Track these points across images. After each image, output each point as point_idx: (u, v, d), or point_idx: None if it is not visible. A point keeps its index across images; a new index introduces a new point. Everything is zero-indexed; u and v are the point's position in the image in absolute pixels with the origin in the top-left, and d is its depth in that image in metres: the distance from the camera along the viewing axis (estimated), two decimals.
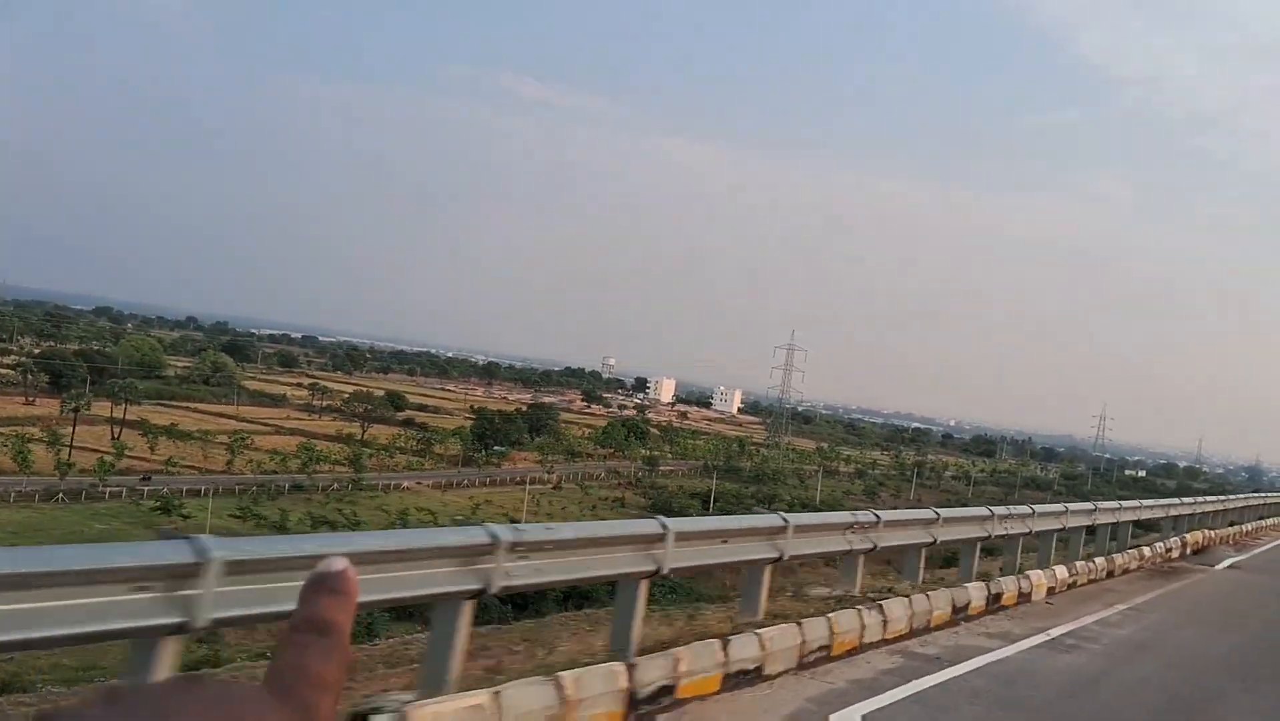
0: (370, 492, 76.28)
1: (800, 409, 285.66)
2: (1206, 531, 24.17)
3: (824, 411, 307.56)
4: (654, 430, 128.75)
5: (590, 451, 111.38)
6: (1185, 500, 24.01)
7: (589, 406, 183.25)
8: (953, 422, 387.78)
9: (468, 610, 6.01)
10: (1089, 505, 17.85)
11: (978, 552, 13.70)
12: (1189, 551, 22.09)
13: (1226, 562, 22.09)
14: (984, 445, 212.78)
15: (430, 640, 6.25)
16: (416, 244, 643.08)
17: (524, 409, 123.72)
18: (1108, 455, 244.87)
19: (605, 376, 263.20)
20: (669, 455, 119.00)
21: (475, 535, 6.10)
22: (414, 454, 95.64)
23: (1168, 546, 21.06)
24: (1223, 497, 28.80)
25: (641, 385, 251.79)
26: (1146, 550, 19.87)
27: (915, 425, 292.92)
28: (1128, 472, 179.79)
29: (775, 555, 8.83)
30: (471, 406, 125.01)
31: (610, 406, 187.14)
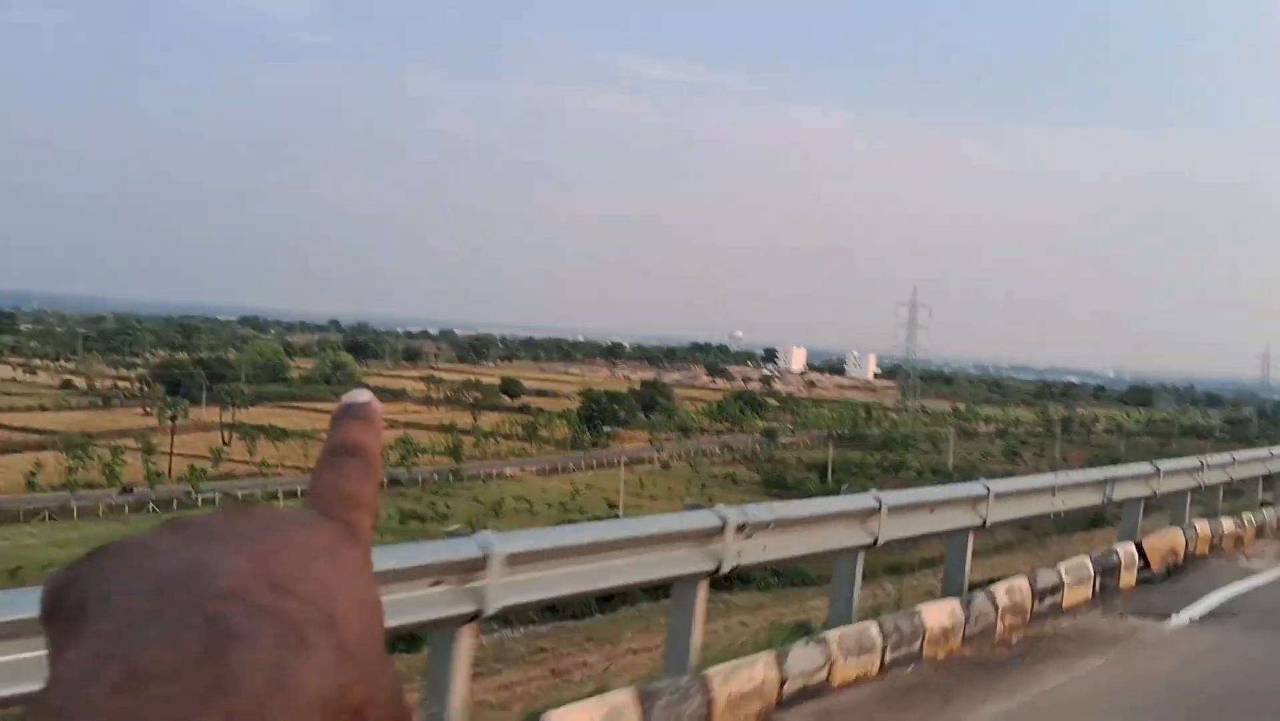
0: (470, 482, 74.37)
1: (942, 369, 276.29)
2: None
3: (973, 370, 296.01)
4: (773, 401, 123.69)
5: (705, 427, 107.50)
6: None
7: (713, 381, 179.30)
8: (1112, 374, 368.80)
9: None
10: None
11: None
12: None
13: None
14: (1141, 395, 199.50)
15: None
16: (546, 231, 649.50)
17: (637, 388, 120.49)
18: (1277, 395, 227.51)
19: (734, 349, 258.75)
20: (790, 426, 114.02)
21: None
22: (519, 439, 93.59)
23: None
24: None
25: (771, 356, 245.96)
26: None
27: (1070, 379, 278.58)
28: None
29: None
30: (588, 389, 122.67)
31: (734, 380, 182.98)
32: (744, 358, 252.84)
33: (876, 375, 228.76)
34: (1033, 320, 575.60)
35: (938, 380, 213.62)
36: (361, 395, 0.62)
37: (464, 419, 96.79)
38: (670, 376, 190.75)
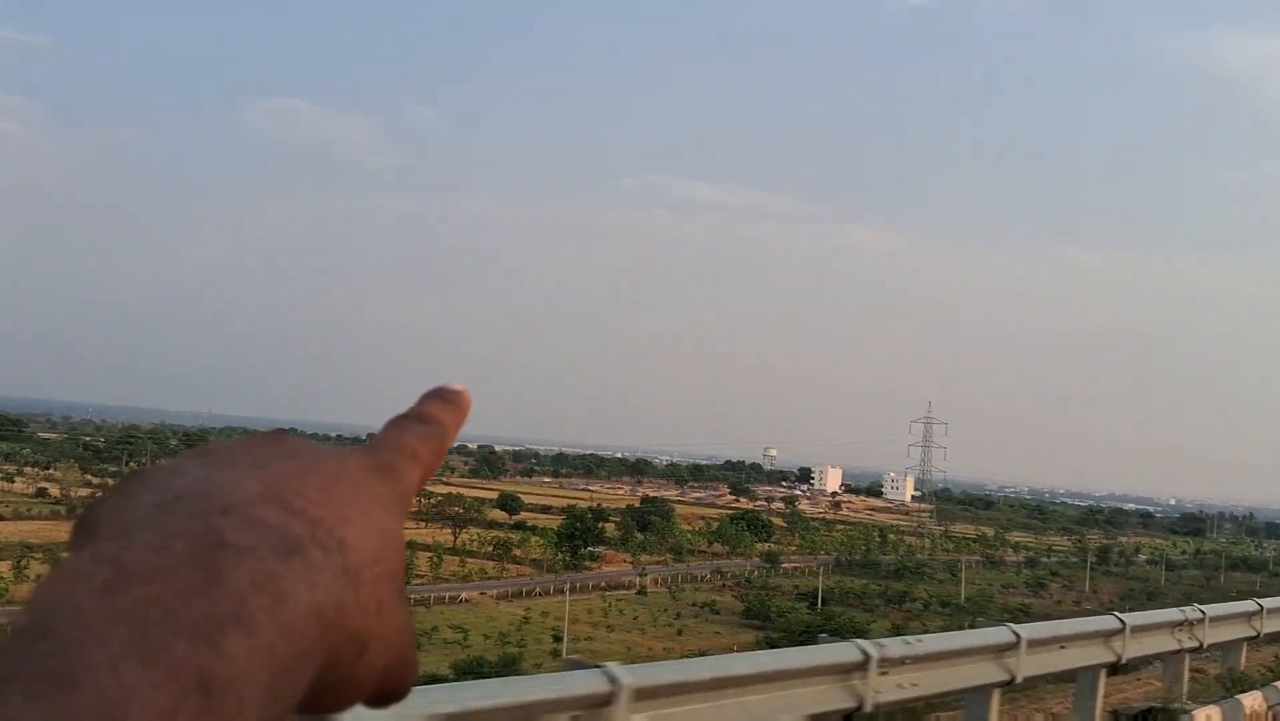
0: (417, 607, 67.99)
1: (992, 493, 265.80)
2: None
3: (1028, 496, 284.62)
4: (779, 522, 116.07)
5: (703, 549, 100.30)
6: None
7: (736, 500, 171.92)
8: (1173, 501, 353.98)
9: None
10: None
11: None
12: None
13: None
14: (1192, 523, 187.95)
15: None
16: (589, 349, 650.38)
17: (636, 504, 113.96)
18: None
19: (767, 468, 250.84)
20: (794, 550, 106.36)
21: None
22: (490, 559, 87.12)
23: None
24: None
25: (805, 475, 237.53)
26: None
27: (1129, 505, 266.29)
28: None
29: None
30: (574, 506, 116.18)
31: (758, 499, 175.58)
32: (778, 476, 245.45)
33: (915, 498, 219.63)
34: (1092, 446, 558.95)
35: (977, 504, 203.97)
36: (457, 385, 0.63)
37: (446, 536, 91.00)
38: (694, 495, 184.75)
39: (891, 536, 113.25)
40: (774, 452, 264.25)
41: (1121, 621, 8.61)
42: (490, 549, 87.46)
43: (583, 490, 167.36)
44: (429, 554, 79.07)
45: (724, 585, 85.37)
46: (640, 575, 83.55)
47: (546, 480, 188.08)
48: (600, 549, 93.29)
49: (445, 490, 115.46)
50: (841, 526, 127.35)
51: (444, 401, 0.61)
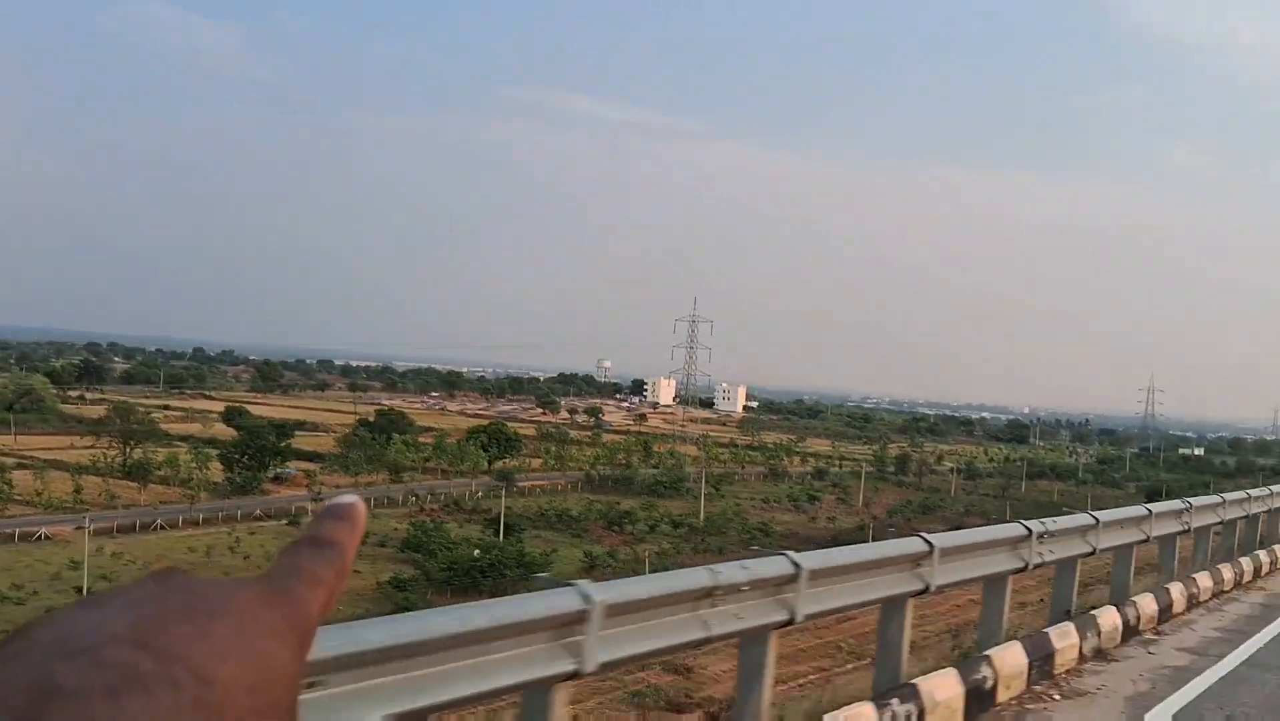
0: None
1: (845, 403, 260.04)
2: None
3: (888, 406, 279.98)
4: (527, 437, 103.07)
5: (432, 467, 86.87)
6: None
7: (544, 414, 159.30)
8: (1026, 410, 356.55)
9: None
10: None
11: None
12: None
13: None
14: (1017, 430, 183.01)
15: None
16: (452, 264, 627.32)
17: (371, 418, 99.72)
18: (1173, 431, 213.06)
19: (601, 380, 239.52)
20: (544, 467, 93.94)
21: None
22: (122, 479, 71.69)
23: None
24: None
25: (639, 388, 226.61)
26: None
27: (985, 414, 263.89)
28: (1182, 451, 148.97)
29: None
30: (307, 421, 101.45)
31: (577, 412, 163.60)
32: (611, 389, 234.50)
33: (748, 408, 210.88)
34: (956, 359, 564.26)
35: (803, 413, 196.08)
36: (348, 497, 0.62)
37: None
38: (500, 409, 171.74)
39: (659, 449, 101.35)
40: (608, 364, 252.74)
41: (929, 543, 7.22)
42: (123, 470, 72.13)
43: (371, 403, 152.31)
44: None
45: (422, 509, 72.04)
46: (315, 500, 69.64)
47: (342, 394, 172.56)
48: (291, 469, 78.92)
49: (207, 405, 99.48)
50: (621, 438, 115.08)
51: (338, 520, 0.60)
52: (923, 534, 7.19)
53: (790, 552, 5.93)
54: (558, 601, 4.55)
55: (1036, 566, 8.47)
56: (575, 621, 4.54)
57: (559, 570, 57.54)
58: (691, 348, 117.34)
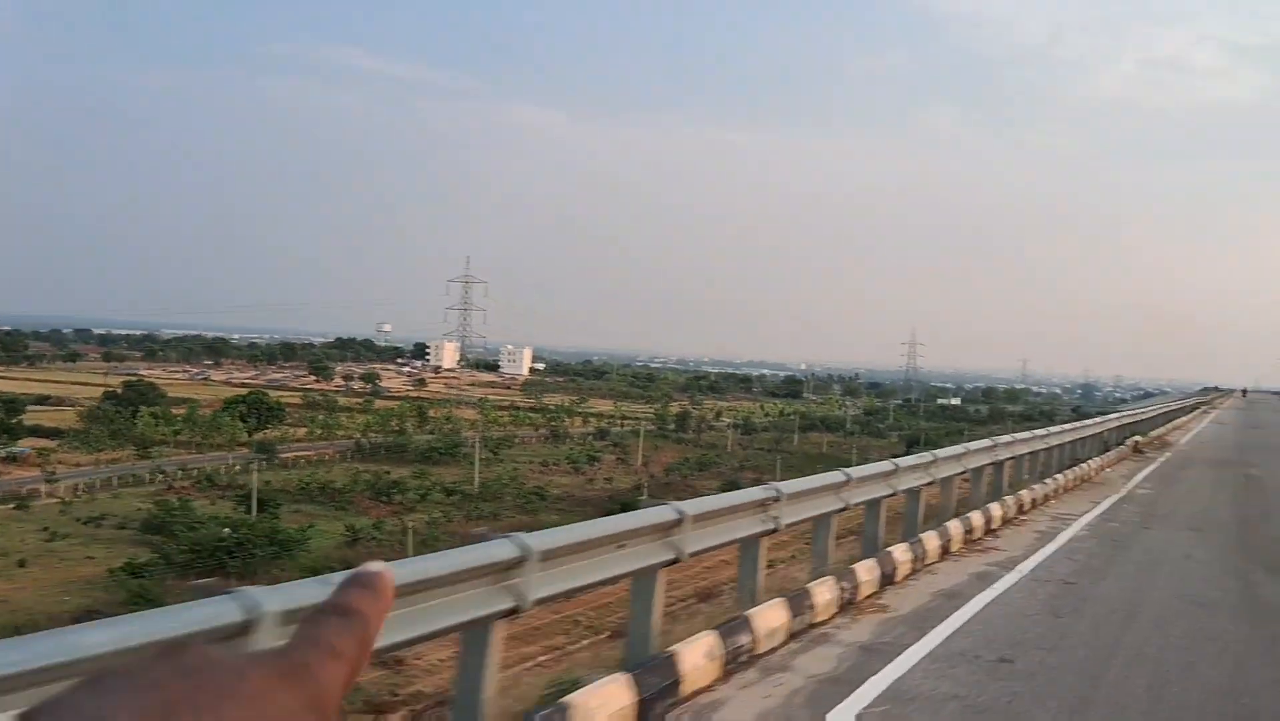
0: None
1: (603, 362, 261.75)
2: None
3: (675, 365, 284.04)
4: (292, 406, 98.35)
5: (191, 440, 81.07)
6: None
7: (316, 380, 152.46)
8: (804, 366, 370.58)
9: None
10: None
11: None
12: None
13: None
14: (793, 386, 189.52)
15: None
16: (211, 223, 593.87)
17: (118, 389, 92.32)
18: (934, 383, 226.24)
19: (381, 344, 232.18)
20: (315, 436, 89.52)
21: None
22: None
23: None
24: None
25: (421, 351, 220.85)
26: None
27: (765, 371, 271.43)
28: (940, 401, 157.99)
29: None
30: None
31: (352, 379, 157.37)
32: (392, 353, 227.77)
33: (534, 371, 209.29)
34: (739, 320, 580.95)
35: (589, 374, 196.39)
36: (374, 566, 0.60)
37: None
38: (270, 376, 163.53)
39: (435, 414, 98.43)
40: (388, 328, 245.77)
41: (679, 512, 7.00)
42: None
43: (128, 374, 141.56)
44: None
45: (171, 487, 66.86)
46: (50, 479, 63.52)
47: (98, 364, 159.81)
48: (24, 449, 71.76)
49: None
50: (396, 405, 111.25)
51: (363, 588, 0.57)
52: (673, 503, 7.05)
53: (517, 535, 5.54)
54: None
55: (789, 525, 8.56)
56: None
57: (318, 546, 54.42)
58: (465, 309, 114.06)
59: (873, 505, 10.62)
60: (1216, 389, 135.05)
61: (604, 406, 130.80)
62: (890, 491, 10.92)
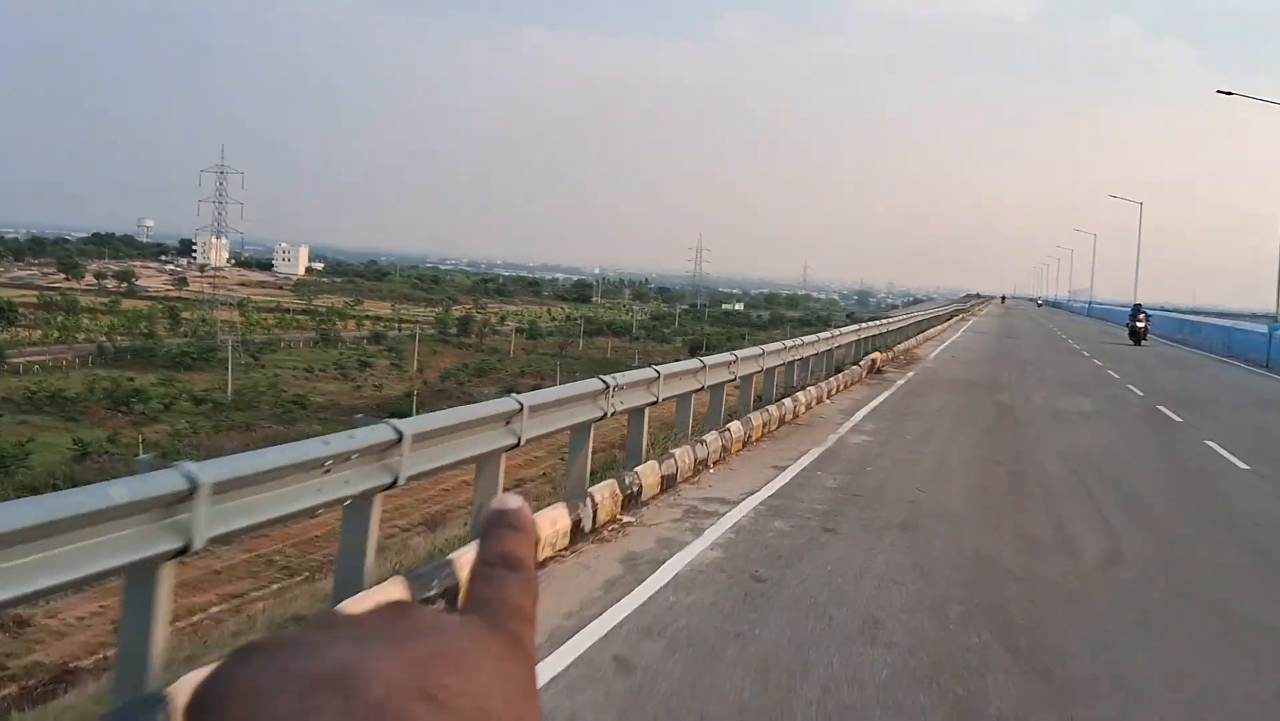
0: None
1: (418, 266, 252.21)
2: None
3: (466, 268, 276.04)
4: (28, 307, 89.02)
5: None
6: None
7: (66, 279, 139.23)
8: (598, 271, 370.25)
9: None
10: None
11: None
12: None
13: None
14: (582, 290, 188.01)
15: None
16: None
17: None
18: (721, 289, 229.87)
19: (143, 240, 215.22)
20: (51, 339, 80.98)
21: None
22: None
23: None
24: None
25: (187, 248, 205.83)
26: None
27: (558, 275, 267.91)
28: (725, 307, 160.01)
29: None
30: None
31: (105, 277, 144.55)
32: (155, 251, 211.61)
33: (311, 271, 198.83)
34: (532, 223, 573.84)
35: (372, 276, 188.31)
36: (512, 501, 0.56)
37: None
38: (14, 274, 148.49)
39: (191, 315, 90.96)
40: (150, 223, 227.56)
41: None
42: None
43: None
44: None
45: None
46: None
47: None
48: None
49: None
50: (148, 305, 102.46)
51: (515, 531, 0.55)
52: (392, 420, 6.24)
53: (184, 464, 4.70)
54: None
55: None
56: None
57: (41, 461, 48.71)
58: (220, 202, 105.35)
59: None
60: (979, 295, 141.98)
61: (383, 309, 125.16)
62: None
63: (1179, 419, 17.64)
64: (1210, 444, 14.73)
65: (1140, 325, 42.28)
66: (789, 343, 15.46)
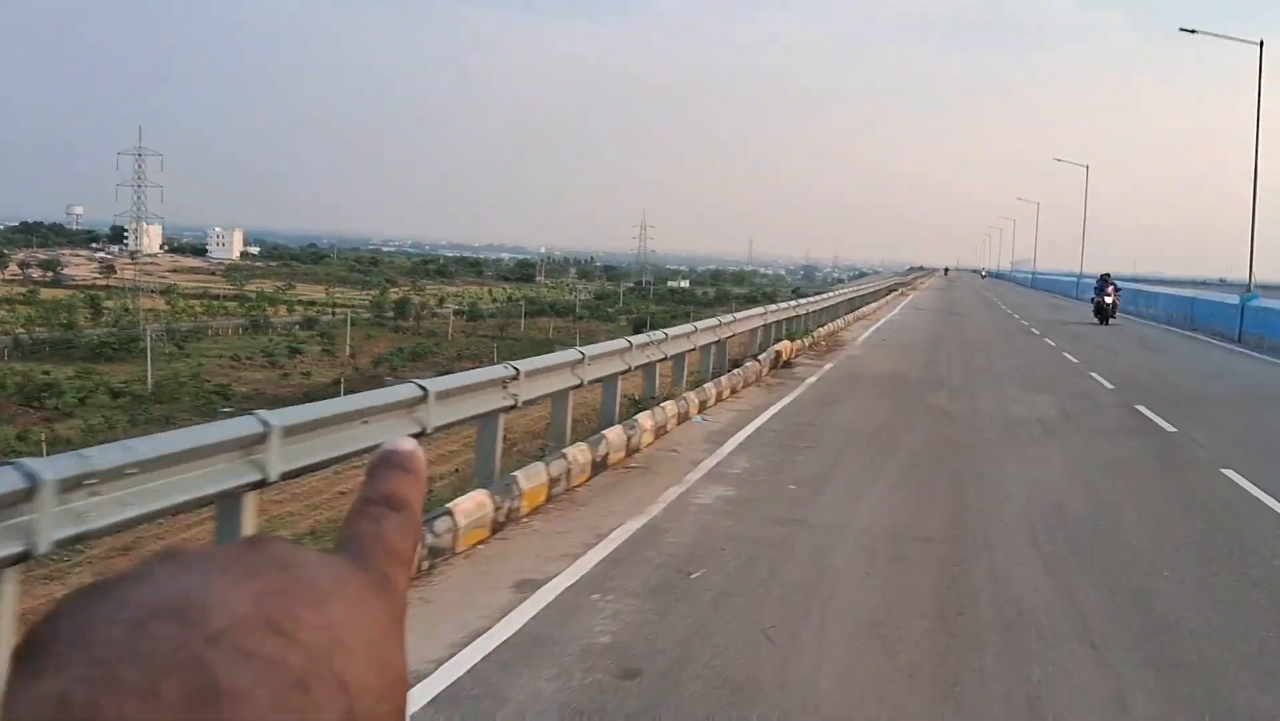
0: None
1: (330, 247, 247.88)
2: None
3: (410, 249, 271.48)
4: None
5: None
6: None
7: None
8: (544, 250, 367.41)
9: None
10: None
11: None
12: None
13: None
14: (525, 270, 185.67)
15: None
16: None
17: None
18: (667, 266, 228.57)
19: (73, 228, 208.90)
20: None
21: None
22: None
23: None
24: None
25: (119, 235, 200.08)
26: None
27: (504, 255, 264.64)
28: (670, 284, 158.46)
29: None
30: None
31: (9, 268, 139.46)
32: (86, 238, 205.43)
33: (246, 255, 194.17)
34: (476, 203, 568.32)
35: (308, 259, 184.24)
36: (405, 443, 0.53)
37: None
38: None
39: (113, 304, 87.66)
40: (79, 210, 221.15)
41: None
42: None
43: None
44: None
45: None
46: None
47: None
48: None
49: None
50: (70, 294, 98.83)
51: (403, 472, 0.51)
52: (260, 412, 5.89)
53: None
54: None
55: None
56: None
57: None
58: (139, 186, 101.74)
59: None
60: (922, 268, 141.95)
61: (317, 293, 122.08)
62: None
63: (1170, 426, 13.40)
64: (1231, 475, 10.21)
65: (1109, 300, 35.47)
66: (653, 335, 12.63)
